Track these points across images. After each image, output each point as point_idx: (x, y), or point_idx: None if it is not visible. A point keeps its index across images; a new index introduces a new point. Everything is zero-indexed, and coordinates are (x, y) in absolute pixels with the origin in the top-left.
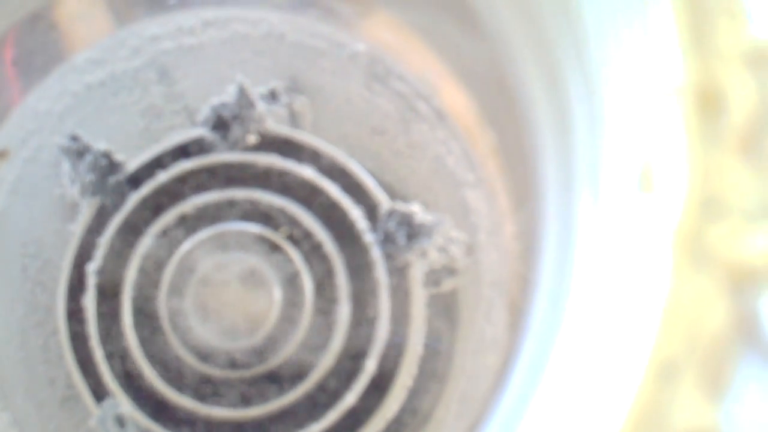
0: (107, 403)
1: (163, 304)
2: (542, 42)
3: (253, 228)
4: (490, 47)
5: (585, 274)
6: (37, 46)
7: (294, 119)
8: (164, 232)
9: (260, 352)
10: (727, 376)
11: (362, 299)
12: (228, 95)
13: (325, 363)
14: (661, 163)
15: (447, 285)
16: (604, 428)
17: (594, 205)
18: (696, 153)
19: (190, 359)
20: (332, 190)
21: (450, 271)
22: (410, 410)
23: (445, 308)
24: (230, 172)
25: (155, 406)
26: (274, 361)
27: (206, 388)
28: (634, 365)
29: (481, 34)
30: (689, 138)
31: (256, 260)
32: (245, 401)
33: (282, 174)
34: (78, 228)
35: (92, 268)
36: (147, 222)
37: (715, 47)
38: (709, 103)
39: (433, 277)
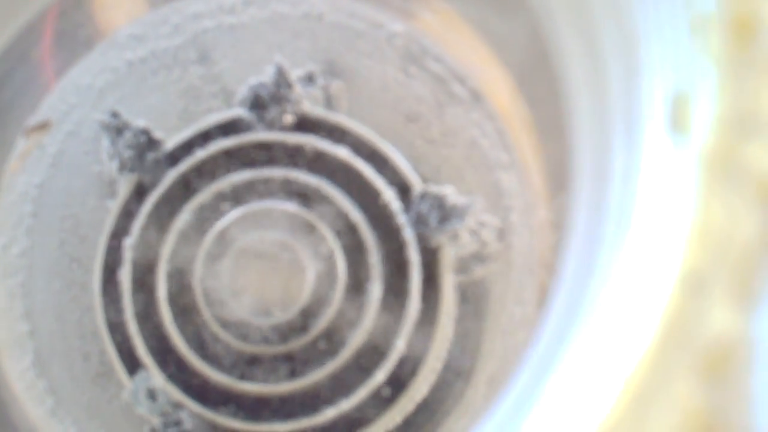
0: (140, 376)
1: (197, 279)
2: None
3: (288, 206)
4: (529, 21)
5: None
6: (83, 20)
7: (329, 103)
8: (200, 209)
9: (293, 329)
10: (757, 287)
11: (394, 279)
12: (266, 75)
13: (357, 340)
14: (694, 98)
15: (478, 272)
16: (637, 339)
17: (629, 152)
18: (728, 78)
19: (223, 334)
20: (366, 171)
21: (481, 257)
22: (439, 391)
23: (476, 290)
24: (266, 151)
25: (187, 380)
26: (306, 338)
27: (238, 363)
28: (666, 278)
29: (519, 6)
30: (722, 66)
31: (290, 238)
32: (276, 376)
33: (317, 154)
34: (115, 204)
35: (129, 242)
36: (184, 199)
37: None
38: (743, 31)
39: (464, 264)
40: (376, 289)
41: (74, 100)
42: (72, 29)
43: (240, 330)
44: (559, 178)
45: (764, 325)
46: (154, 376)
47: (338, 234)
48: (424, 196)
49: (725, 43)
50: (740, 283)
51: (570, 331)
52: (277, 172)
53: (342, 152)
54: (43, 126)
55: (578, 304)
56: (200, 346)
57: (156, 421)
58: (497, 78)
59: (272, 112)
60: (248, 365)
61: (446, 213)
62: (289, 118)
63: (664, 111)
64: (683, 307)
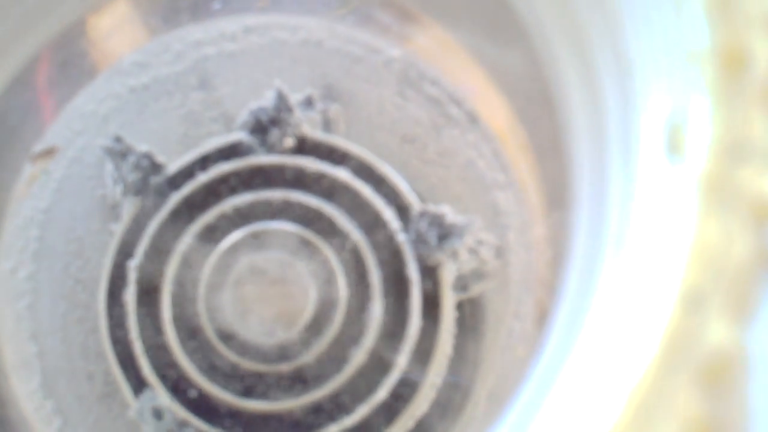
0: (145, 395)
1: (201, 300)
2: (572, 12)
3: (290, 227)
4: (525, 44)
5: (618, 230)
6: (87, 48)
7: (328, 126)
8: (203, 231)
9: (295, 348)
10: (752, 303)
11: (394, 297)
12: (266, 100)
13: (358, 359)
14: (689, 123)
15: (476, 289)
16: (638, 353)
17: (626, 173)
18: (721, 107)
19: (227, 354)
20: (365, 191)
21: (479, 274)
22: (440, 408)
23: (475, 307)
24: (267, 174)
25: (192, 399)
26: (309, 357)
27: (242, 382)
28: (665, 297)
29: (516, 32)
30: (714, 96)
31: (292, 258)
32: (280, 395)
33: (317, 176)
34: (120, 227)
35: (133, 264)
36: (186, 221)
37: (740, 10)
38: (734, 64)
39: (463, 282)
40: (377, 308)
41: (79, 126)
42: (76, 58)
43: (244, 349)
44: (555, 197)
45: (759, 339)
46: (159, 395)
47: (339, 254)
48: (422, 215)
49: (718, 74)
50: (736, 299)
51: (571, 347)
52: (277, 194)
53: (341, 174)
54: (49, 152)
55: (579, 321)
56: (205, 365)
57: None
58: (493, 101)
59: (273, 136)
60: (252, 383)
61: (445, 231)
62: (289, 142)
63: (661, 136)
64: (683, 323)
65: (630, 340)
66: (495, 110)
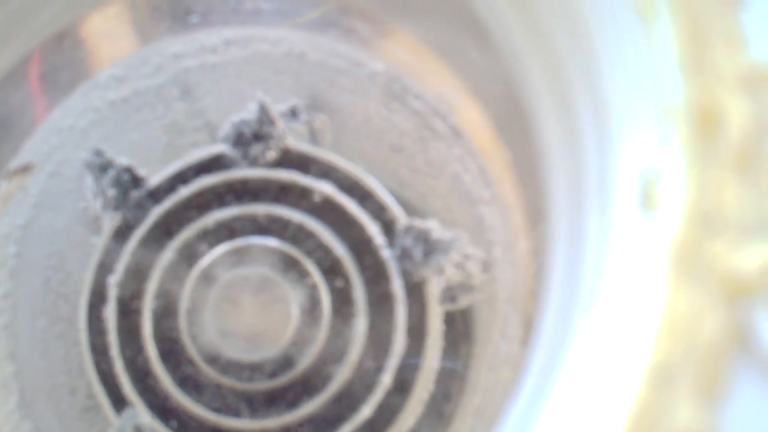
0: (126, 413)
1: (182, 316)
2: (553, 61)
3: (273, 242)
4: (504, 66)
5: (591, 288)
6: (63, 63)
7: (314, 137)
8: (184, 246)
9: (278, 365)
10: (722, 383)
11: (379, 314)
12: (249, 112)
13: (342, 376)
14: (663, 181)
15: (463, 301)
16: (603, 428)
17: (601, 221)
18: (694, 169)
19: (209, 371)
20: (350, 206)
21: (466, 287)
22: (426, 425)
23: (461, 324)
24: (250, 187)
25: (174, 417)
26: (292, 374)
27: (224, 400)
28: (633, 372)
29: (495, 53)
30: (688, 155)
31: (274, 274)
32: (263, 413)
33: (301, 190)
34: (100, 241)
35: (113, 280)
36: (168, 236)
37: (714, 68)
38: (708, 123)
39: (450, 294)
40: (361, 324)
41: (56, 141)
42: (53, 73)
43: (226, 366)
44: (540, 214)
45: (729, 423)
46: (140, 413)
47: (322, 269)
48: (408, 230)
49: (692, 133)
50: (706, 379)
51: (540, 405)
52: (260, 209)
53: (326, 188)
54: (26, 169)
55: (547, 380)
56: (186, 382)
57: None
58: (476, 118)
59: (255, 149)
60: (234, 401)
61: (431, 247)
62: (272, 155)
63: (635, 188)
64: (650, 399)
65: (595, 412)
66: (478, 127)
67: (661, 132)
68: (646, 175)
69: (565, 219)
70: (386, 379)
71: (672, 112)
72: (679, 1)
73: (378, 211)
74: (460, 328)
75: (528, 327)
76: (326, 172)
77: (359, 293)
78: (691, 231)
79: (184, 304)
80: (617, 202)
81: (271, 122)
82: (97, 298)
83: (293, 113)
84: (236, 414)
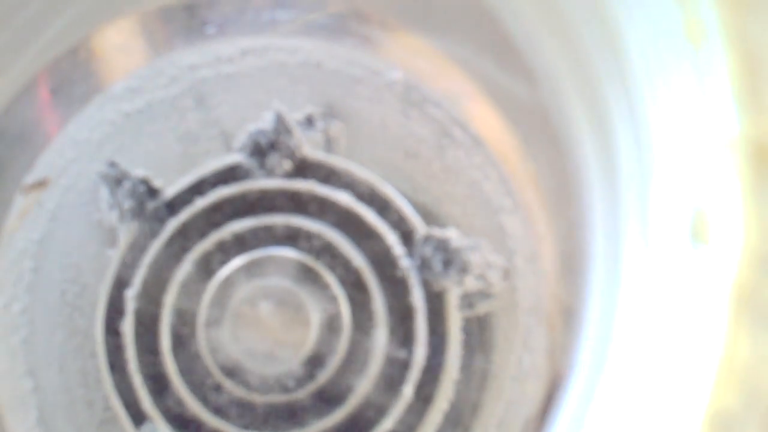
0: (145, 427)
1: (201, 329)
2: (588, 81)
3: (291, 253)
4: (534, 84)
5: (634, 319)
6: (77, 77)
7: (330, 144)
8: (202, 258)
9: (298, 377)
10: None
11: (399, 324)
12: (265, 122)
13: (363, 388)
14: (715, 214)
15: (482, 308)
16: None
17: (644, 249)
18: (752, 207)
19: (227, 384)
20: (368, 215)
21: (486, 295)
22: None
23: (482, 334)
24: (267, 198)
25: (193, 431)
26: (312, 386)
27: (243, 413)
28: (690, 419)
29: (524, 70)
30: (744, 191)
31: (293, 285)
32: (283, 426)
33: (318, 200)
34: (116, 254)
35: (130, 294)
36: (185, 248)
37: None
38: (765, 157)
39: (468, 300)
40: (381, 335)
41: (72, 154)
42: (66, 86)
43: (245, 379)
44: (565, 228)
45: None
46: (159, 427)
47: (342, 280)
48: (427, 239)
49: (748, 167)
50: None
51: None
52: (278, 219)
53: (343, 197)
54: (42, 183)
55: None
56: (205, 395)
57: None
58: (499, 129)
59: (272, 159)
60: (254, 415)
61: (450, 256)
62: (289, 164)
63: (683, 219)
64: None
65: None
66: (501, 137)
67: (712, 164)
68: (697, 207)
69: (601, 240)
70: (407, 391)
71: (726, 145)
72: (732, 30)
73: (397, 221)
74: (481, 339)
75: (554, 339)
76: (344, 181)
77: (379, 304)
78: (752, 274)
79: (202, 317)
80: (662, 231)
81: (288, 132)
82: (114, 311)
83: (309, 121)
84: (256, 427)
